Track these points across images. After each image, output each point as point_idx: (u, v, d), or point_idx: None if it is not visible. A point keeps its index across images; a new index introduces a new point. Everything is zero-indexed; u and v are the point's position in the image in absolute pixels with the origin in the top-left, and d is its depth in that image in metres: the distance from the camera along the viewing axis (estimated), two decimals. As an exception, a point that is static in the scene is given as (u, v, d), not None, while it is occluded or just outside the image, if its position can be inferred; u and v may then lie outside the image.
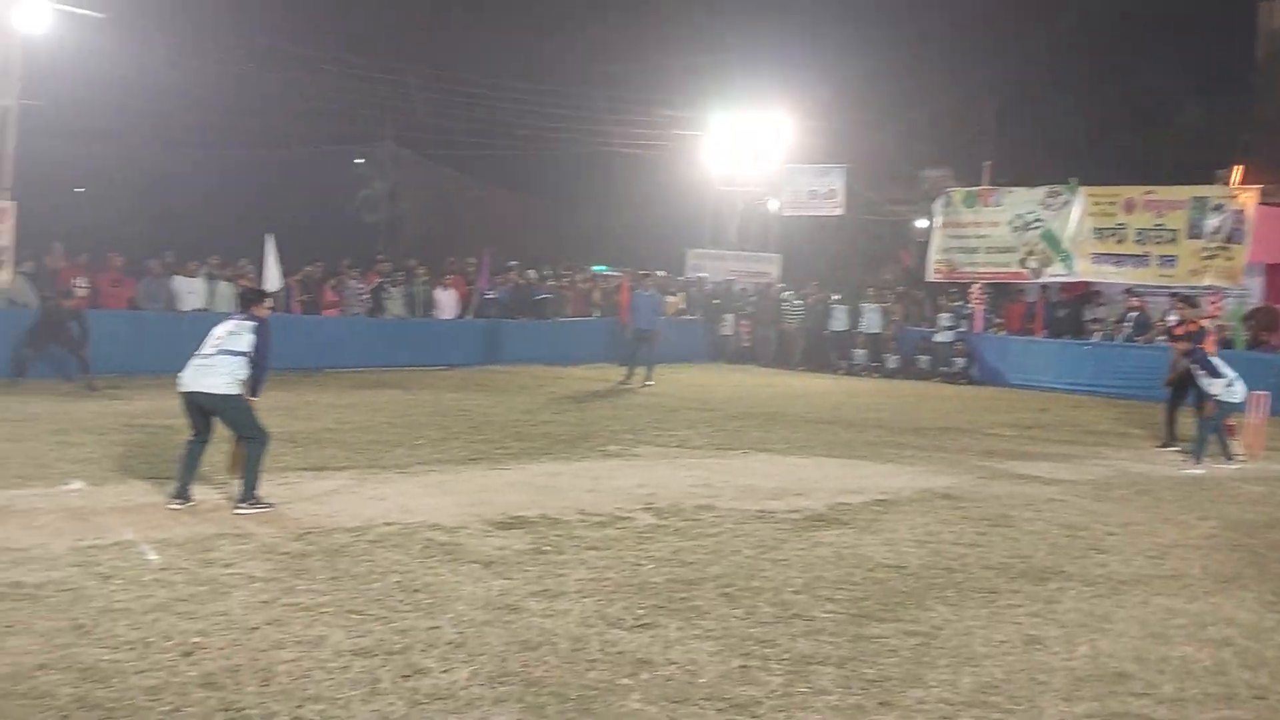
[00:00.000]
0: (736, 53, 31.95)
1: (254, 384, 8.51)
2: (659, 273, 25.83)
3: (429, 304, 21.61)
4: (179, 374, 8.37)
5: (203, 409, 8.34)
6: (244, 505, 8.24)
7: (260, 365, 8.44)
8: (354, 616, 5.91)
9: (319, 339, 19.43)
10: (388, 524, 8.02)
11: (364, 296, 20.69)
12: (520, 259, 24.12)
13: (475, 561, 7.09)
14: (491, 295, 22.39)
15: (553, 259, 26.35)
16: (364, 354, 19.79)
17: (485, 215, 28.47)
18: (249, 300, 8.85)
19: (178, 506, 8.23)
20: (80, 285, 15.87)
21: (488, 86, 26.15)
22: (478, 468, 10.66)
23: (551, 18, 34.19)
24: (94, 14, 17.29)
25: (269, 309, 8.84)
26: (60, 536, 7.29)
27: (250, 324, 8.48)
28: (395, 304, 21.06)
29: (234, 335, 8.40)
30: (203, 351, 8.35)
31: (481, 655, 5.37)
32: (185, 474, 8.38)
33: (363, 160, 28.22)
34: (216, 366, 8.27)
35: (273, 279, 18.46)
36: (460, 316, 22.00)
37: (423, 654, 5.37)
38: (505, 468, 10.73)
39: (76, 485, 8.97)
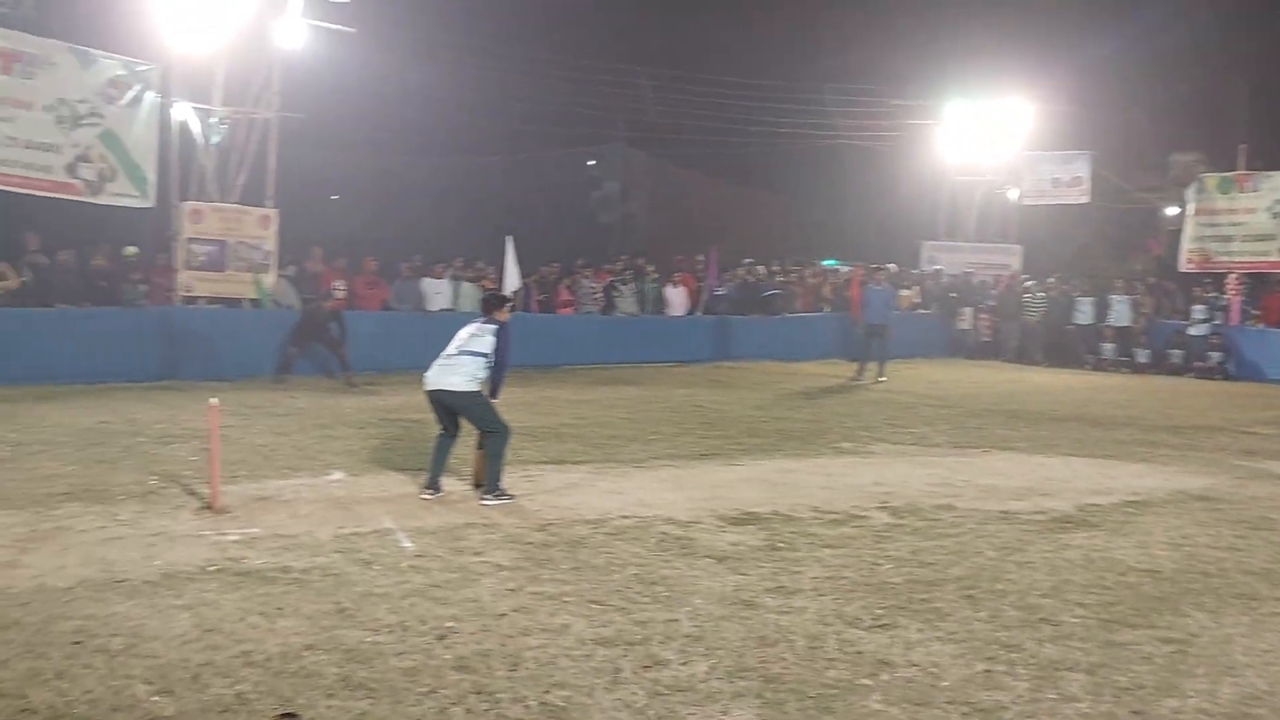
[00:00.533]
0: (971, 38, 30.99)
1: (494, 385, 8.87)
2: (891, 266, 25.34)
3: (659, 301, 21.92)
4: (424, 373, 8.79)
5: (446, 406, 8.73)
6: (489, 497, 8.57)
7: (499, 367, 8.79)
8: (595, 606, 6.06)
9: (555, 337, 20.03)
10: (625, 517, 8.19)
11: (597, 295, 21.17)
12: (749, 255, 24.13)
13: (710, 556, 7.15)
14: (720, 292, 22.50)
15: (782, 254, 26.25)
16: (598, 351, 20.28)
17: (714, 212, 28.63)
18: (491, 305, 9.20)
19: (429, 497, 8.64)
20: (339, 288, 16.82)
21: (716, 83, 26.26)
22: (711, 463, 10.74)
23: (779, 11, 34.05)
24: (345, 29, 18.29)
25: (509, 312, 9.15)
26: (324, 524, 7.76)
27: (491, 327, 8.84)
28: (627, 302, 21.46)
29: (476, 337, 8.78)
30: (447, 352, 8.76)
31: (719, 649, 5.42)
32: (435, 466, 8.81)
33: (595, 162, 28.84)
34: (458, 366, 8.66)
35: (512, 280, 19.12)
36: (690, 313, 22.21)
37: (662, 645, 5.46)
38: (738, 463, 10.77)
39: (337, 476, 9.53)
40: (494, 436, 8.71)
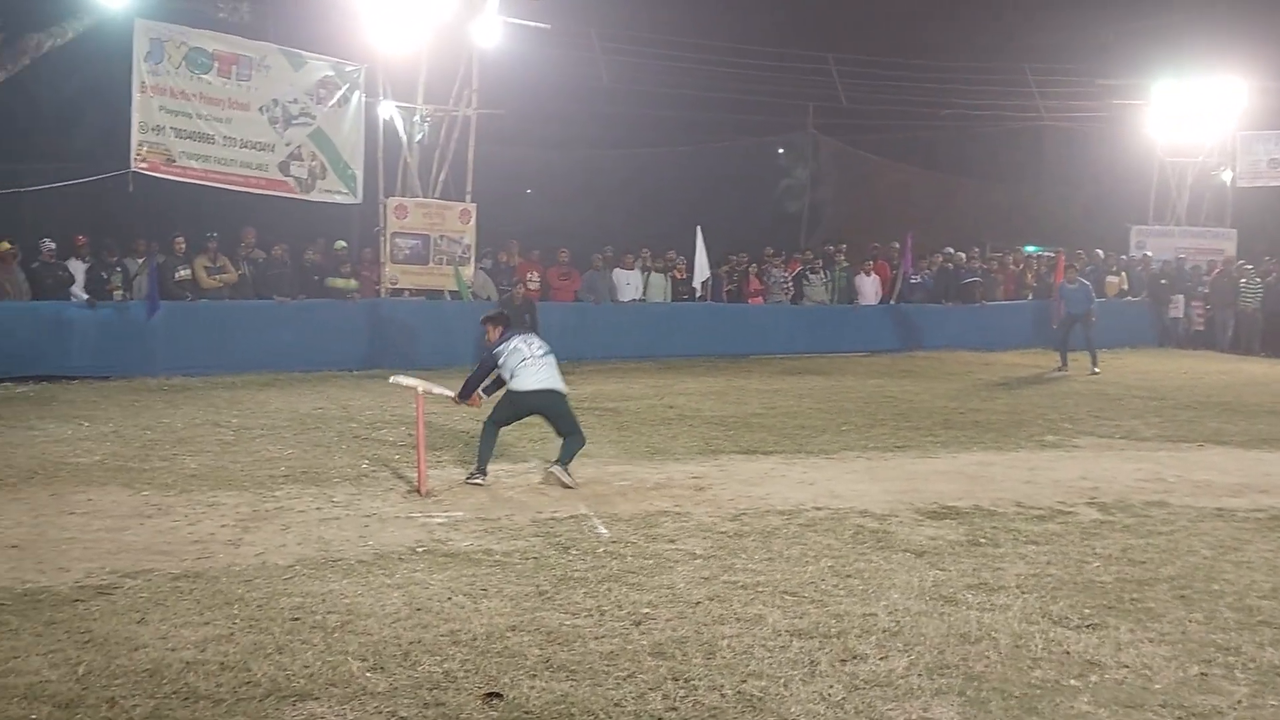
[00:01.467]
0: (1181, 12, 29.40)
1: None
2: (1098, 253, 24.32)
3: (850, 290, 21.61)
4: (525, 378, 8.84)
5: (546, 406, 8.96)
6: (557, 466, 8.81)
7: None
8: (790, 598, 6.03)
9: (745, 326, 20.02)
10: (818, 508, 8.12)
11: (787, 284, 21.02)
12: (946, 241, 23.54)
13: (908, 550, 7.02)
14: (917, 280, 22.01)
15: (981, 240, 25.48)
16: (788, 340, 20.15)
17: (907, 198, 27.96)
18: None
19: (480, 482, 8.79)
20: (532, 278, 17.21)
21: (906, 66, 25.67)
22: (905, 455, 10.56)
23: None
24: (540, 25, 18.68)
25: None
26: (523, 509, 7.98)
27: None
28: (817, 291, 21.24)
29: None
30: (537, 354, 8.92)
31: (919, 645, 5.32)
32: (487, 453, 8.99)
33: (784, 150, 28.60)
34: (554, 366, 8.98)
35: (702, 269, 19.22)
36: (883, 302, 21.81)
37: (859, 639, 5.39)
38: (934, 456, 10.56)
39: (534, 463, 9.77)
40: (574, 437, 8.97)
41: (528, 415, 9.08)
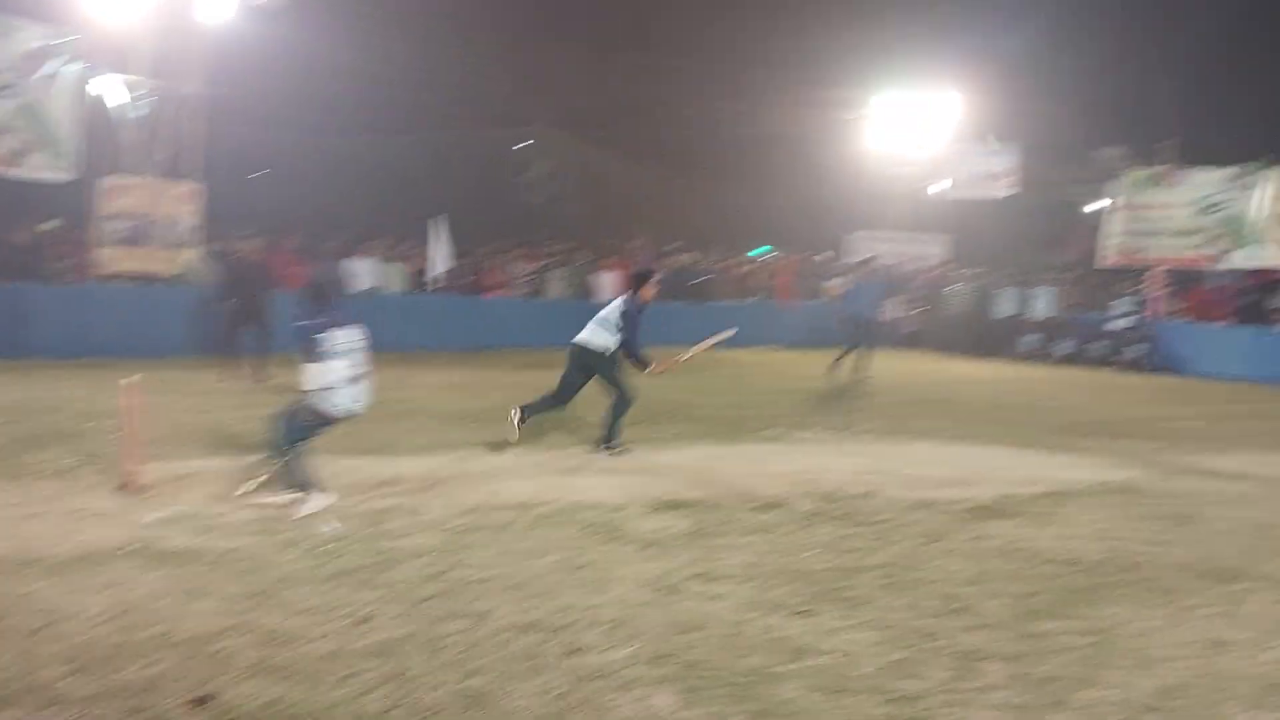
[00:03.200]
0: (900, 28, 31.24)
1: (629, 353, 10.41)
2: (830, 253, 25.49)
3: (589, 286, 21.84)
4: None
5: (582, 362, 10.39)
6: (605, 448, 10.11)
7: (628, 341, 10.49)
8: (517, 592, 6.01)
9: (485, 319, 19.90)
10: (550, 502, 8.13)
11: (527, 278, 21.04)
12: (677, 240, 24.13)
13: (636, 542, 7.13)
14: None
15: (711, 240, 26.27)
16: (529, 334, 20.14)
17: (645, 197, 28.57)
18: (634, 281, 10.66)
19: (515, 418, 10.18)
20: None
21: (645, 66, 26.22)
22: (640, 449, 10.70)
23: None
24: (273, 4, 17.97)
25: (655, 288, 10.51)
26: (245, 505, 7.62)
27: (620, 301, 10.50)
28: (556, 285, 21.36)
29: (613, 309, 10.41)
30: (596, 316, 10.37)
31: (642, 636, 5.40)
32: (539, 408, 10.45)
33: (526, 144, 28.67)
34: (597, 329, 10.39)
35: (442, 260, 18.99)
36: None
37: (584, 632, 5.42)
38: (668, 449, 10.78)
39: (258, 456, 9.34)
40: (619, 400, 10.08)
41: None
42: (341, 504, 7.77)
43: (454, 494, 8.32)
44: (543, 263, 21.37)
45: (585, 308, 21.11)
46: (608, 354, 10.26)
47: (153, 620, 5.32)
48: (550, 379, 15.08)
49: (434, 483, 8.66)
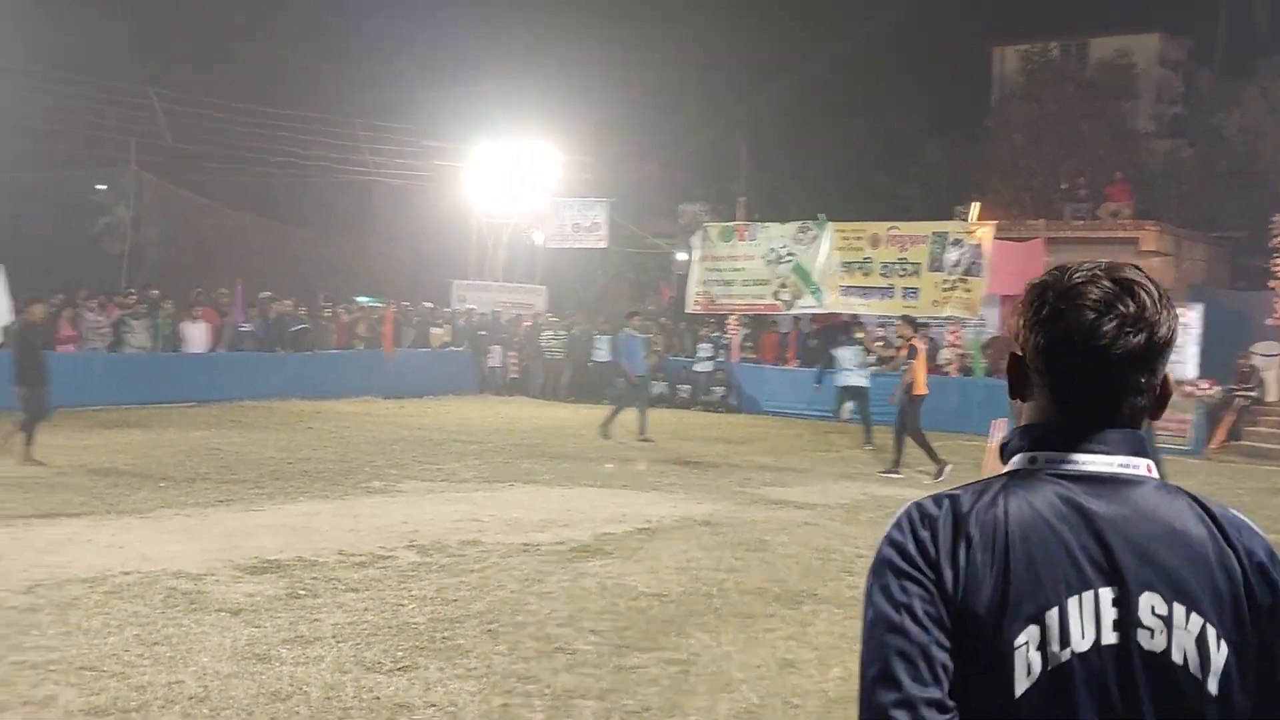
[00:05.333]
0: (500, 83, 32.01)
1: None
2: (425, 304, 25.45)
3: (175, 337, 20.57)
4: None
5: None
6: None
7: None
8: (87, 673, 5.52)
9: (55, 376, 18.17)
10: (126, 573, 7.54)
11: (104, 330, 19.51)
12: (276, 290, 23.29)
13: (223, 610, 6.74)
14: (247, 327, 21.54)
15: (312, 290, 25.56)
16: (105, 391, 18.60)
17: (236, 244, 27.34)
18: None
19: None
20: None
21: (239, 110, 25.23)
22: (229, 509, 10.19)
23: (309, 44, 33.40)
24: None
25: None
26: None
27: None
28: (138, 337, 19.93)
29: None
30: None
31: (226, 709, 5.10)
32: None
33: (105, 186, 26.69)
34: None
35: (3, 312, 17.24)
36: (212, 349, 21.05)
37: (162, 711, 5.05)
38: (259, 509, 10.30)
39: None
40: None
41: None
42: None
43: (13, 570, 7.52)
44: (119, 314, 19.87)
45: (172, 360, 20.08)
46: None
47: None
48: (126, 438, 14.13)
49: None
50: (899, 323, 16.39)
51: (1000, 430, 14.57)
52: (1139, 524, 1.52)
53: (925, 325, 17.98)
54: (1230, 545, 1.53)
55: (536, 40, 34.62)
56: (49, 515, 9.52)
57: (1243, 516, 1.59)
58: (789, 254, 22.65)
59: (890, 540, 1.56)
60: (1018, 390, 1.65)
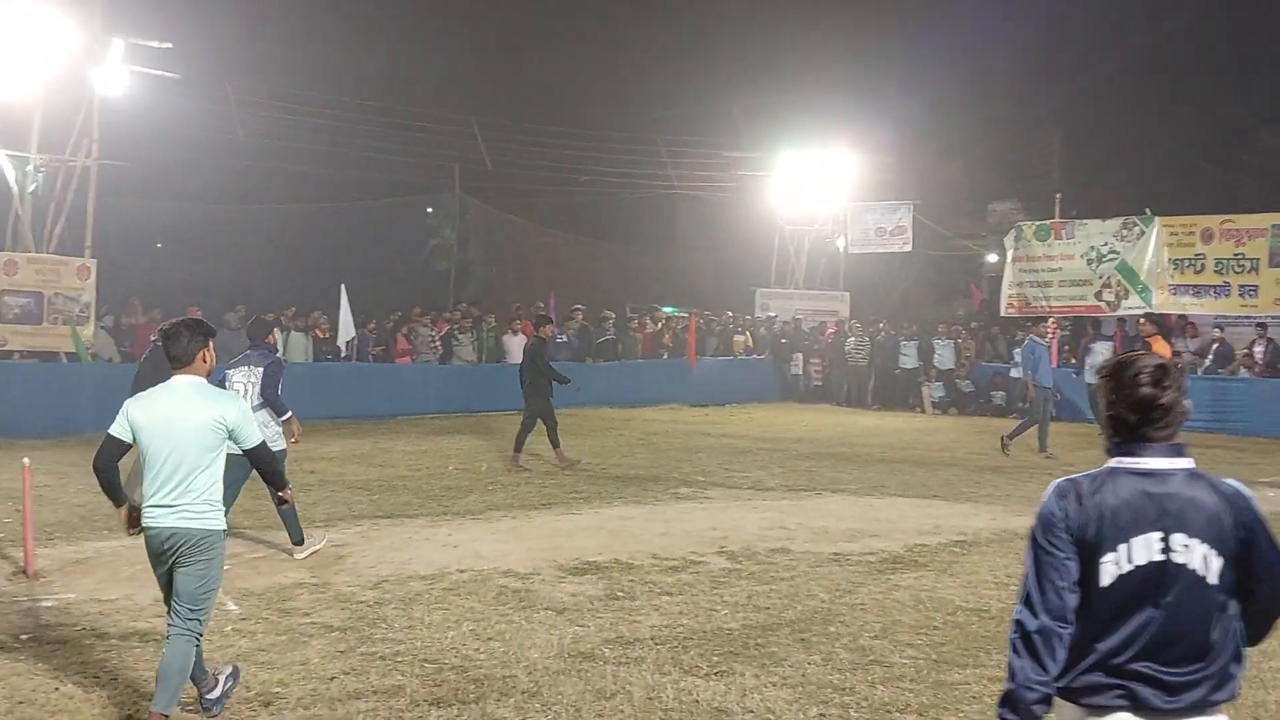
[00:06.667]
0: (798, 92, 31.97)
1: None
2: (728, 313, 25.75)
3: (498, 349, 21.78)
4: None
5: None
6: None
7: None
8: (429, 665, 5.93)
9: (393, 386, 19.71)
10: (461, 571, 8.06)
11: (435, 343, 20.92)
12: (587, 302, 24.23)
13: (549, 608, 7.08)
14: (562, 339, 22.52)
15: (620, 301, 26.43)
16: (437, 400, 19.99)
17: (550, 260, 28.70)
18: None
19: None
20: (155, 339, 16.20)
21: (550, 133, 26.46)
22: (550, 512, 10.68)
23: (610, 64, 34.56)
24: (169, 75, 17.80)
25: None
26: (144, 587, 7.39)
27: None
28: (465, 350, 21.26)
29: None
30: None
31: (556, 705, 5.35)
32: None
33: (432, 210, 28.63)
34: None
35: (347, 328, 18.77)
36: (531, 361, 22.12)
37: (498, 703, 5.36)
38: (577, 512, 10.74)
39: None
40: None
41: None
42: (247, 583, 7.61)
43: (361, 566, 8.19)
44: (449, 328, 21.25)
45: (494, 371, 21.27)
46: None
47: (50, 711, 5.17)
48: (457, 444, 14.95)
49: (341, 556, 8.52)
50: (1141, 320, 15.94)
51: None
52: (1174, 498, 2.90)
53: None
54: (1227, 502, 2.90)
55: (832, 44, 34.34)
56: (391, 516, 10.29)
57: (1236, 484, 2.96)
58: (1112, 252, 21.44)
59: (1046, 506, 3.00)
60: None
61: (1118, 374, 2.98)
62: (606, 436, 17.45)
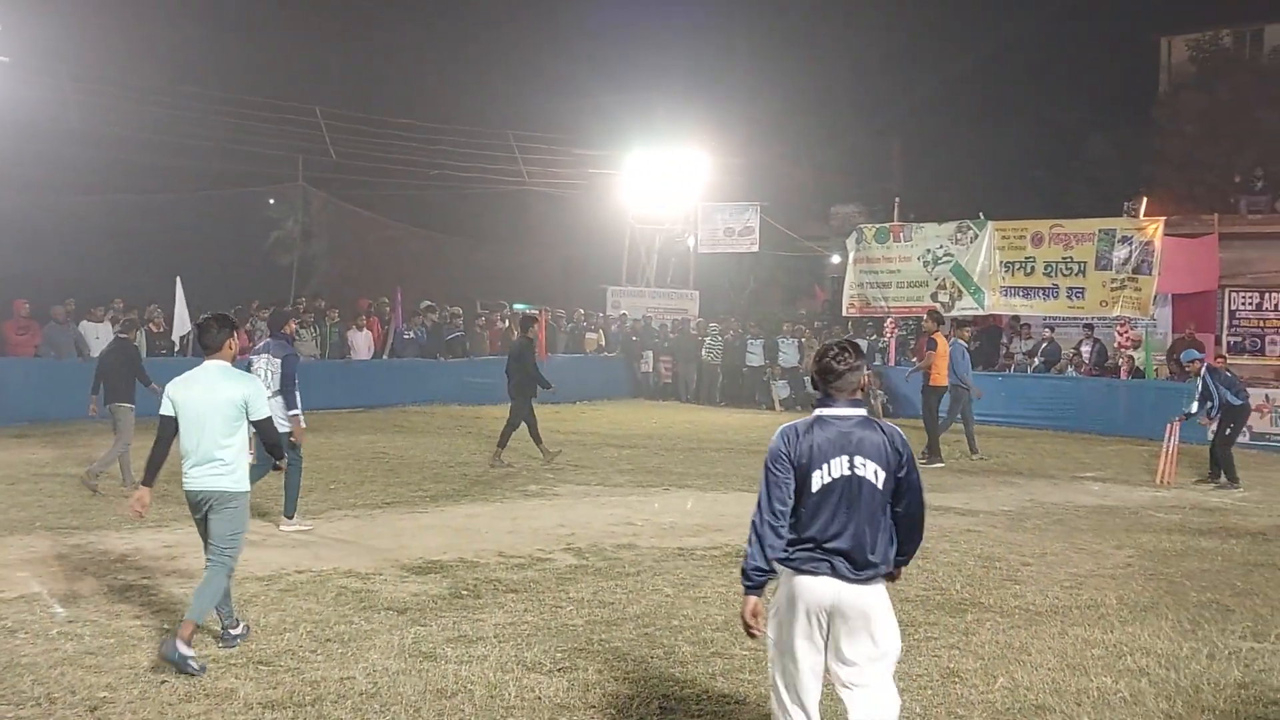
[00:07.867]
0: (649, 91, 32.23)
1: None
2: (579, 311, 25.75)
3: (342, 345, 21.35)
4: None
5: None
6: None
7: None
8: (264, 668, 5.78)
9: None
10: (300, 572, 7.87)
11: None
12: (436, 298, 23.94)
13: (391, 609, 6.97)
14: (409, 335, 22.20)
15: (470, 298, 26.18)
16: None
17: (396, 254, 28.24)
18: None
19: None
20: (119, 332, 15.37)
21: (398, 125, 26.06)
22: (395, 511, 10.53)
23: (461, 58, 34.30)
24: (-1, 58, 16.98)
25: None
26: (-43, 594, 7.04)
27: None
28: (307, 345, 20.74)
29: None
30: None
31: (395, 705, 5.28)
32: None
33: (274, 201, 27.85)
34: None
35: (182, 322, 18.13)
36: (375, 356, 21.77)
37: (334, 705, 5.26)
38: (423, 511, 10.62)
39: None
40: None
41: None
42: (74, 585, 7.29)
43: (194, 568, 7.89)
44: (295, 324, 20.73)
45: (337, 367, 20.83)
46: None
47: None
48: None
49: (174, 557, 8.23)
50: (925, 318, 16.72)
51: (1174, 435, 14.02)
52: (854, 433, 4.29)
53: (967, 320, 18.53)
54: (887, 436, 4.32)
55: (684, 47, 34.76)
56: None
57: (893, 425, 4.39)
58: (947, 254, 22.20)
59: (774, 444, 4.28)
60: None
61: (819, 353, 4.39)
62: (454, 435, 17.27)
